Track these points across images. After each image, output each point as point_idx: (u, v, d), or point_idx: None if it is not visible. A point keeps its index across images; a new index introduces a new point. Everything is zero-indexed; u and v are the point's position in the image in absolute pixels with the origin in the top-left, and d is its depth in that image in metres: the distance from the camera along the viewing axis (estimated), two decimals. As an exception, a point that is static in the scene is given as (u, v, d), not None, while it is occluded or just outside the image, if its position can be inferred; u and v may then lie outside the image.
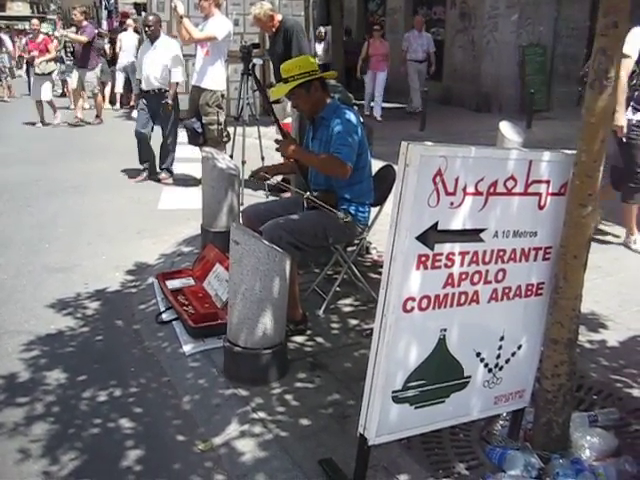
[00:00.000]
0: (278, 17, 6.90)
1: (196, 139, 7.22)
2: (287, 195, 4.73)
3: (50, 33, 20.47)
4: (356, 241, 4.32)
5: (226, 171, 4.98)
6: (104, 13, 21.32)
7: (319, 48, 14.63)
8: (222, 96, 7.13)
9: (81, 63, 12.53)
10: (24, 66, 17.08)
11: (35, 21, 14.25)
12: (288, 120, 5.88)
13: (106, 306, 4.59)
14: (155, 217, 6.62)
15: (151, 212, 6.83)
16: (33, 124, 12.52)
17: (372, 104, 13.05)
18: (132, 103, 15.14)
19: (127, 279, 5.07)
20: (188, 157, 8.60)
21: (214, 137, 7.04)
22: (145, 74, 7.75)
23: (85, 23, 12.44)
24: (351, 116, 3.82)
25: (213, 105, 7.00)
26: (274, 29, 6.83)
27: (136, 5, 16.55)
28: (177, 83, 7.81)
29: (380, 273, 2.30)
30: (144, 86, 7.79)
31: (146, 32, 7.83)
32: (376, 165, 4.32)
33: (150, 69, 7.67)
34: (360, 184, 3.92)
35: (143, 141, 7.95)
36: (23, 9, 51.57)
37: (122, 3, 17.55)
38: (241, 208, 5.07)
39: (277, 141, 3.96)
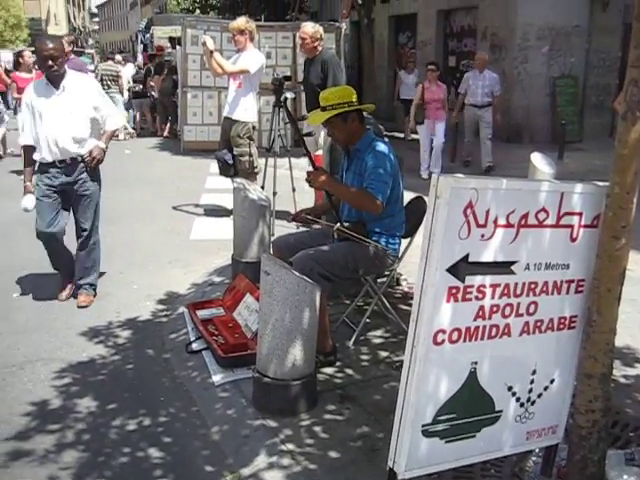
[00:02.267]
0: (320, 46, 7.03)
1: (227, 170, 7.29)
2: (317, 226, 4.75)
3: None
4: (386, 272, 4.31)
5: (257, 202, 5.03)
6: (140, 47, 21.84)
7: None
8: (253, 128, 7.21)
9: None
10: None
11: (27, 53, 11.98)
12: (319, 152, 5.92)
13: (137, 335, 4.63)
14: (187, 247, 6.68)
15: (183, 242, 6.90)
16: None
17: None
18: (166, 133, 15.50)
19: (158, 308, 5.12)
20: (219, 188, 8.69)
21: (245, 168, 7.11)
22: (49, 136, 4.86)
23: (72, 56, 10.60)
24: (385, 149, 3.85)
25: (244, 136, 7.09)
26: (313, 55, 6.95)
27: (171, 39, 16.89)
28: (115, 130, 5.45)
29: (410, 305, 2.29)
30: (46, 156, 4.89)
31: (48, 68, 4.75)
32: (406, 196, 4.33)
33: (58, 127, 4.84)
34: (392, 217, 3.93)
35: (53, 244, 5.16)
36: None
37: (157, 37, 17.91)
38: (272, 239, 5.09)
39: (308, 172, 3.99)
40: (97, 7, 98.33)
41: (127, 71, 16.64)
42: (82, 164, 5.01)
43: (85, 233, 5.21)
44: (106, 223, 7.53)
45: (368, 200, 3.72)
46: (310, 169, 4.05)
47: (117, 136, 14.24)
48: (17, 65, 12.24)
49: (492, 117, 10.61)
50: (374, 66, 16.87)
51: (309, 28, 6.93)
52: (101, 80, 15.20)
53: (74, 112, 4.89)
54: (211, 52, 6.97)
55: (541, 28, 13.36)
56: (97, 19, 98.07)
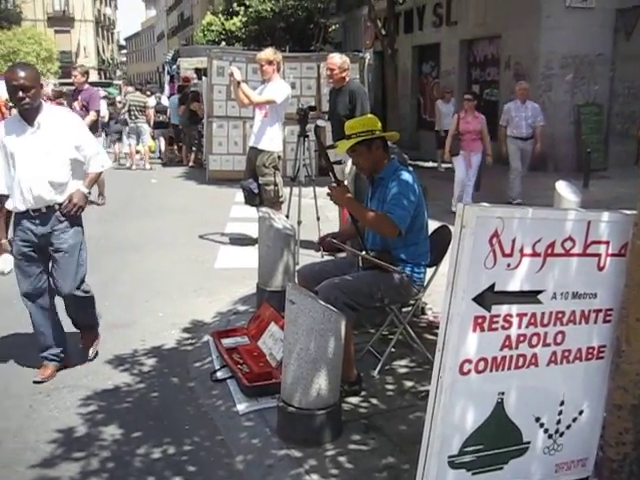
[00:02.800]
0: (347, 77, 7.08)
1: (252, 199, 7.34)
2: (342, 255, 4.76)
3: (114, 96, 21.41)
4: (412, 301, 4.30)
5: (282, 231, 5.05)
6: (166, 78, 22.19)
7: None
8: (279, 157, 7.27)
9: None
10: None
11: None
12: (345, 181, 5.95)
13: (162, 363, 4.64)
14: (212, 275, 6.72)
15: (208, 270, 6.94)
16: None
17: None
18: (192, 163, 15.70)
19: (183, 336, 5.14)
20: (244, 217, 8.75)
21: (270, 197, 7.15)
22: (22, 181, 4.11)
23: (87, 86, 10.58)
24: (409, 177, 3.87)
25: (270, 166, 7.14)
26: (340, 85, 7.01)
27: (197, 70, 17.15)
28: (100, 173, 4.53)
29: (436, 334, 2.28)
30: (19, 205, 4.15)
31: (19, 100, 4.01)
32: (431, 225, 4.32)
33: (32, 170, 4.10)
34: (416, 245, 3.93)
35: (41, 312, 4.41)
36: (91, 76, 54.05)
37: (184, 68, 18.21)
38: (297, 268, 5.10)
39: (330, 187, 4.01)
40: (125, 39, 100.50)
41: (152, 102, 16.97)
42: (59, 212, 4.22)
43: (66, 301, 4.46)
44: (132, 251, 7.68)
45: (386, 224, 3.73)
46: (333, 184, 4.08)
47: (141, 167, 14.52)
48: None
49: (532, 148, 10.16)
50: (398, 95, 16.98)
51: (337, 59, 6.99)
52: (129, 110, 15.52)
53: (51, 153, 4.11)
54: (238, 83, 7.06)
55: (564, 56, 13.37)
56: (125, 51, 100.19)
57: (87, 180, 4.36)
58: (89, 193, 4.41)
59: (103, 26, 65.01)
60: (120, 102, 17.02)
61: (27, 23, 48.82)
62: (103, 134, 14.28)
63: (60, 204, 4.20)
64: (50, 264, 4.33)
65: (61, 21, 56.11)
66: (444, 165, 11.31)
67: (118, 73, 73.33)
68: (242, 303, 5.71)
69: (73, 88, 11.25)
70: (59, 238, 4.24)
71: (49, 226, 4.21)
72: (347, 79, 7.05)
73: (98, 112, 10.49)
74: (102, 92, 15.52)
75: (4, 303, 5.47)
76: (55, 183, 4.16)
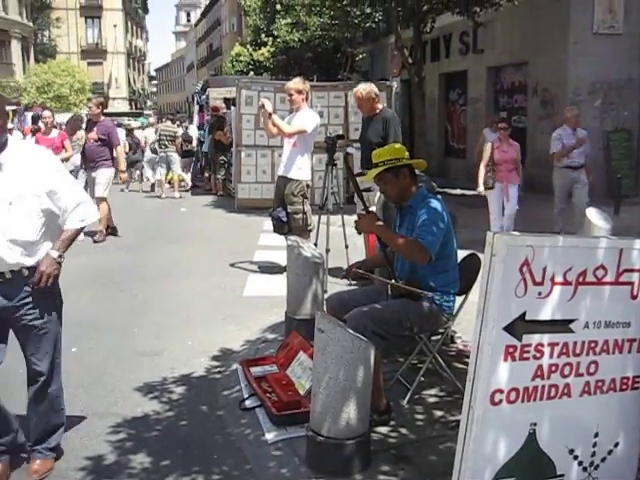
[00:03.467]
0: (379, 105, 7.12)
1: (281, 228, 7.38)
2: (371, 283, 4.76)
3: (144, 125, 21.84)
4: (441, 330, 4.27)
5: (311, 259, 5.07)
6: (196, 108, 22.51)
7: None
8: (307, 186, 7.32)
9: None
10: None
11: (47, 113, 10.71)
12: (372, 209, 5.96)
13: (191, 391, 4.65)
14: (240, 303, 6.74)
15: (237, 298, 6.96)
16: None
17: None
18: (220, 192, 15.87)
19: (212, 364, 5.14)
20: (273, 245, 8.78)
21: (299, 226, 7.18)
22: None
23: (102, 118, 10.37)
24: (437, 205, 3.87)
25: (298, 194, 7.18)
26: (371, 114, 7.05)
27: (226, 100, 17.37)
28: (81, 229, 3.50)
29: (466, 363, 2.26)
30: None
31: None
32: (460, 253, 4.31)
33: None
34: (446, 273, 3.92)
35: None
36: (122, 106, 55.20)
37: (213, 98, 18.46)
38: (325, 296, 5.10)
39: (359, 215, 4.02)
40: (156, 70, 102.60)
41: (181, 131, 17.35)
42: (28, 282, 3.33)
43: (41, 378, 3.48)
44: (161, 279, 7.74)
45: (416, 249, 3.73)
46: (362, 212, 4.09)
47: (172, 196, 14.73)
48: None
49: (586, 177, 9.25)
50: (425, 123, 17.02)
51: (361, 90, 7.00)
52: (159, 140, 15.78)
53: (16, 202, 3.23)
54: (269, 114, 7.14)
55: (593, 82, 13.33)
56: (155, 82, 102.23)
57: (59, 240, 3.40)
58: (61, 257, 3.38)
59: (134, 58, 66.29)
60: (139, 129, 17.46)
61: (62, 56, 50.14)
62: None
63: (29, 269, 3.32)
64: (19, 342, 3.49)
65: (94, 53, 57.42)
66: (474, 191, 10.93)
67: (148, 103, 74.61)
68: (271, 331, 5.72)
69: (87, 120, 11.23)
70: (28, 313, 3.37)
71: (14, 300, 3.32)
72: (380, 107, 7.08)
73: (122, 145, 10.84)
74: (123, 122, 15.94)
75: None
76: (21, 241, 3.26)
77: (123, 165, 10.93)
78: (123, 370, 5.04)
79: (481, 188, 9.28)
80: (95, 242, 9.81)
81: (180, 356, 5.31)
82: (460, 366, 4.56)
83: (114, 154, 10.31)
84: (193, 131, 18.76)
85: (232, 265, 8.38)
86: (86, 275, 7.81)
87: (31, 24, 44.04)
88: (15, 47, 40.76)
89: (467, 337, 4.97)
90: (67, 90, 37.11)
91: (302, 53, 25.70)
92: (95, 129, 10.10)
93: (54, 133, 10.48)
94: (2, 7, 39.41)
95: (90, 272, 7.99)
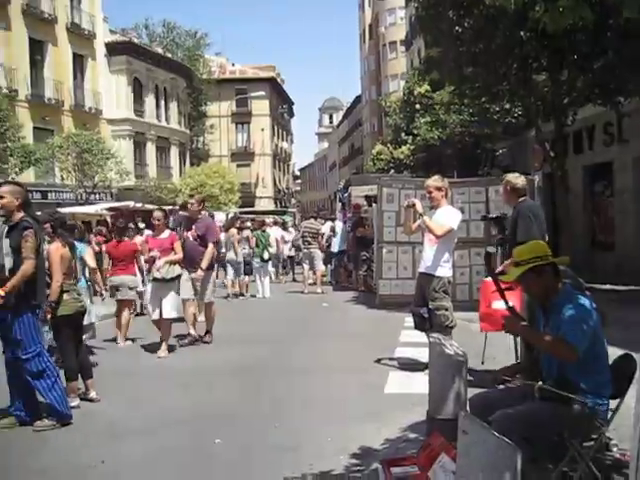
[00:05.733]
0: (518, 197, 6.93)
1: (423, 324, 7.34)
2: (515, 384, 4.60)
3: (287, 221, 22.74)
4: (594, 436, 4.01)
5: (453, 357, 4.98)
6: (338, 205, 23.22)
7: None
8: (448, 282, 7.28)
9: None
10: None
11: (158, 213, 9.64)
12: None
13: (331, 490, 4.61)
14: (381, 401, 6.67)
15: (377, 395, 6.90)
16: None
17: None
18: (362, 287, 16.04)
19: (352, 462, 5.07)
20: (414, 342, 8.71)
21: (440, 322, 7.11)
22: None
23: (202, 215, 10.25)
24: (585, 302, 3.75)
25: (440, 291, 7.15)
26: (514, 205, 6.95)
27: (367, 197, 17.81)
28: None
29: (624, 474, 2.13)
30: None
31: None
32: (612, 351, 4.09)
33: None
34: (597, 374, 3.73)
35: None
36: (268, 204, 57.87)
37: (354, 196, 18.98)
38: (468, 396, 4.97)
39: (505, 317, 3.95)
40: (299, 170, 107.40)
41: (326, 229, 17.81)
42: None
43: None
44: (301, 373, 7.84)
45: (563, 347, 3.61)
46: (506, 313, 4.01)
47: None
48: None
49: None
50: (570, 217, 16.53)
51: (517, 180, 6.91)
52: (303, 237, 16.37)
53: None
54: (420, 215, 7.24)
55: None
56: (299, 181, 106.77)
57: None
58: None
59: (280, 159, 69.66)
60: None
61: (214, 159, 53.84)
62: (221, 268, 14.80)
63: None
64: None
65: (243, 156, 61.01)
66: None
67: (292, 201, 77.68)
68: (412, 430, 5.60)
69: (186, 216, 10.84)
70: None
71: None
72: (520, 200, 6.86)
73: (216, 243, 10.22)
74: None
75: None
76: None
77: (205, 263, 9.67)
78: (263, 464, 5.09)
79: None
80: (207, 343, 9.82)
81: (319, 452, 5.29)
82: (618, 477, 4.23)
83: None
84: (338, 227, 19.22)
85: (373, 361, 8.36)
86: (229, 367, 8.09)
87: (188, 131, 47.88)
88: (174, 152, 44.39)
89: (625, 445, 4.61)
90: (217, 190, 39.46)
91: (442, 150, 26.05)
92: (194, 227, 9.90)
93: (165, 234, 9.43)
94: (165, 118, 43.33)
95: (233, 364, 8.27)
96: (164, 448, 5.41)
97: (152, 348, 9.19)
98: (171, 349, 9.18)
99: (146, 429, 5.90)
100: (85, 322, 7.30)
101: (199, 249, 9.68)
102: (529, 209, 6.84)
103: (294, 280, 19.87)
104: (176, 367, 8.31)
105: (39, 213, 7.74)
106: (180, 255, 9.13)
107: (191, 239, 9.78)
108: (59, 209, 13.01)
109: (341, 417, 6.19)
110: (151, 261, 9.17)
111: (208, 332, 9.99)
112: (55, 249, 6.43)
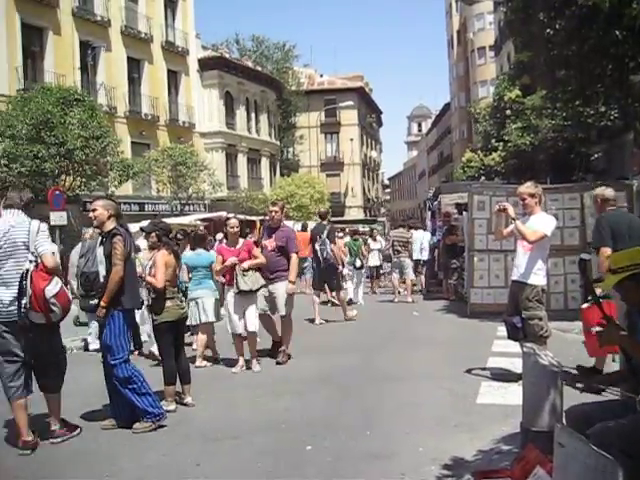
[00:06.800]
0: (606, 207, 7.02)
1: (516, 334, 7.18)
2: (613, 394, 4.43)
3: (378, 230, 22.72)
4: None
5: (548, 368, 4.84)
6: (428, 214, 23.04)
7: None
8: (543, 290, 7.10)
9: None
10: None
11: (233, 221, 8.93)
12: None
13: (423, 500, 4.57)
14: (473, 411, 6.56)
15: (469, 406, 6.78)
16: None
17: None
18: (452, 296, 15.84)
19: (443, 473, 5.00)
20: (507, 352, 8.54)
21: (534, 332, 6.94)
22: None
23: (283, 223, 9.69)
24: (687, 311, 3.57)
25: (534, 299, 6.99)
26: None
27: (457, 205, 17.60)
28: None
29: None
30: None
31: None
32: None
33: None
34: None
35: None
36: (357, 214, 58.10)
37: (444, 204, 18.80)
38: (564, 407, 4.82)
39: (600, 326, 3.81)
40: (389, 179, 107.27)
41: (417, 236, 17.71)
42: None
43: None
44: (393, 381, 7.81)
45: None
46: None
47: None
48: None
49: None
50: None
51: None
52: (392, 246, 16.34)
53: None
54: (513, 219, 7.14)
55: None
56: (388, 190, 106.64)
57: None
58: None
59: (369, 168, 69.73)
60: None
61: (303, 169, 54.49)
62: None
63: None
64: None
65: (332, 166, 61.44)
66: None
67: (382, 210, 77.57)
68: (505, 442, 5.48)
69: (267, 224, 10.06)
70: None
71: None
72: (608, 209, 6.88)
73: (297, 253, 9.38)
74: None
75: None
76: None
77: (293, 276, 9.19)
78: (354, 472, 5.09)
79: None
80: (278, 364, 9.01)
81: (411, 462, 5.25)
82: None
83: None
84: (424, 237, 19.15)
85: (464, 371, 8.23)
86: (319, 375, 8.15)
87: (278, 142, 48.68)
88: (264, 163, 45.21)
89: None
90: (307, 200, 39.87)
91: (534, 156, 25.46)
92: (274, 236, 9.21)
93: (239, 243, 8.74)
94: (256, 130, 44.24)
95: (323, 372, 8.32)
96: (256, 453, 5.51)
97: (232, 363, 8.97)
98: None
99: (239, 434, 6.03)
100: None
101: (277, 260, 9.08)
102: (603, 218, 7.00)
103: (372, 290, 19.54)
104: (266, 375, 8.41)
105: (145, 223, 8.29)
106: (263, 259, 8.60)
107: (269, 249, 9.13)
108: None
109: (432, 426, 6.12)
110: (229, 276, 8.54)
111: (283, 351, 9.18)
112: (161, 255, 7.03)
